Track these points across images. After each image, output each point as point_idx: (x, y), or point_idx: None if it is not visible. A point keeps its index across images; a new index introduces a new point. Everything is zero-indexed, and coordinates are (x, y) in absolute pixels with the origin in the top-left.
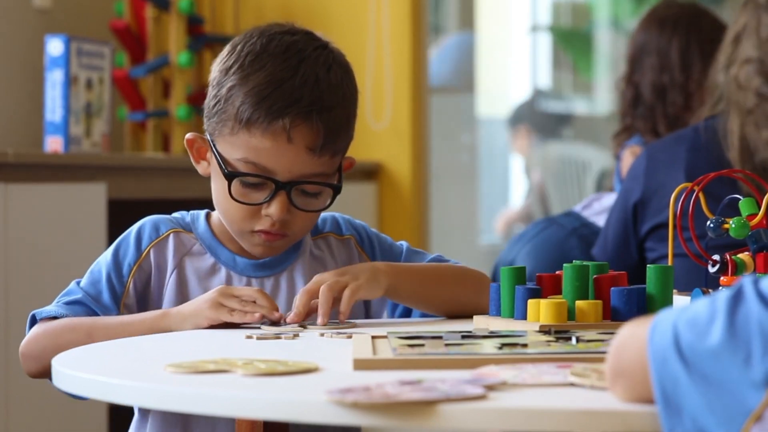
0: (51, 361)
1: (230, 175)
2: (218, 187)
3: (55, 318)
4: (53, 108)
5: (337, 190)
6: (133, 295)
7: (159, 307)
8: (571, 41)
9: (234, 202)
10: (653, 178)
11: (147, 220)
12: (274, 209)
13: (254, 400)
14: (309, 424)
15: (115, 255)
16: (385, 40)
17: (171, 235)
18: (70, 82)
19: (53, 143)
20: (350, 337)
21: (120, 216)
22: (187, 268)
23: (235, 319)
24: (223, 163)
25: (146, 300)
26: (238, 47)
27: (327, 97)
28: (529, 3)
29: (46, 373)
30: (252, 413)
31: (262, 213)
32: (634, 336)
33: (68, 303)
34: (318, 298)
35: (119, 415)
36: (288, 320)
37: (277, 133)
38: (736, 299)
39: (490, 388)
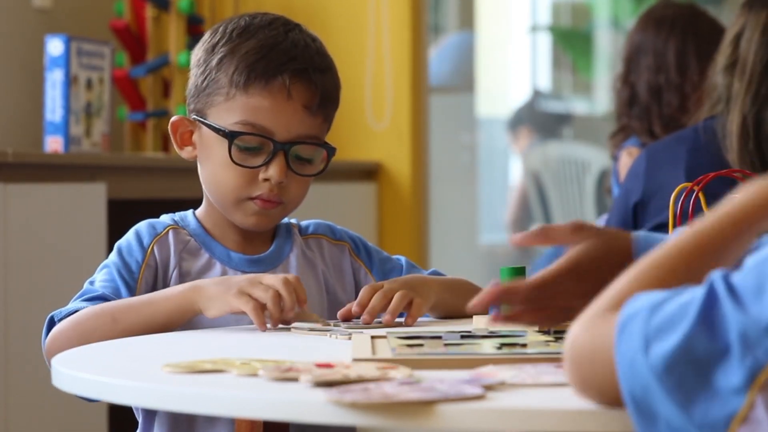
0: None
1: (232, 134)
2: (211, 159)
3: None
4: (53, 108)
5: (331, 152)
6: (144, 292)
7: None
8: (571, 41)
9: (232, 168)
10: (654, 178)
11: (141, 224)
12: (273, 171)
13: (254, 400)
14: (309, 424)
15: (121, 255)
16: (385, 40)
17: (170, 231)
18: (70, 82)
19: (53, 143)
20: (350, 337)
21: (120, 216)
22: (185, 266)
23: (252, 316)
24: (220, 129)
25: None
26: (221, 29)
27: (318, 60)
28: (529, 3)
29: None
30: (252, 413)
31: (259, 178)
32: (594, 345)
33: (87, 299)
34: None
35: (119, 415)
36: (363, 320)
37: (276, 90)
38: (709, 301)
39: (489, 388)
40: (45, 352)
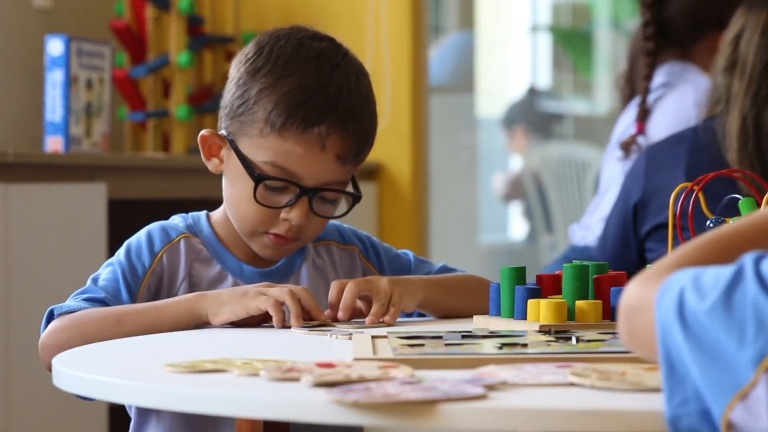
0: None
1: (259, 178)
2: (235, 187)
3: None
4: (53, 108)
5: (357, 200)
6: (146, 298)
7: None
8: (571, 41)
9: (253, 203)
10: (653, 178)
11: (154, 226)
12: (295, 214)
13: (254, 400)
14: (309, 423)
15: (128, 257)
16: (385, 40)
17: (182, 240)
18: (70, 82)
19: (53, 143)
20: (351, 337)
21: (120, 216)
22: (196, 276)
23: (272, 311)
24: (249, 164)
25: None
26: (266, 49)
27: (359, 107)
28: (529, 3)
29: None
30: (252, 413)
31: (280, 217)
32: (642, 302)
33: (88, 299)
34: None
35: (119, 415)
36: (341, 317)
37: (311, 141)
38: (736, 279)
39: (490, 387)
40: (41, 346)
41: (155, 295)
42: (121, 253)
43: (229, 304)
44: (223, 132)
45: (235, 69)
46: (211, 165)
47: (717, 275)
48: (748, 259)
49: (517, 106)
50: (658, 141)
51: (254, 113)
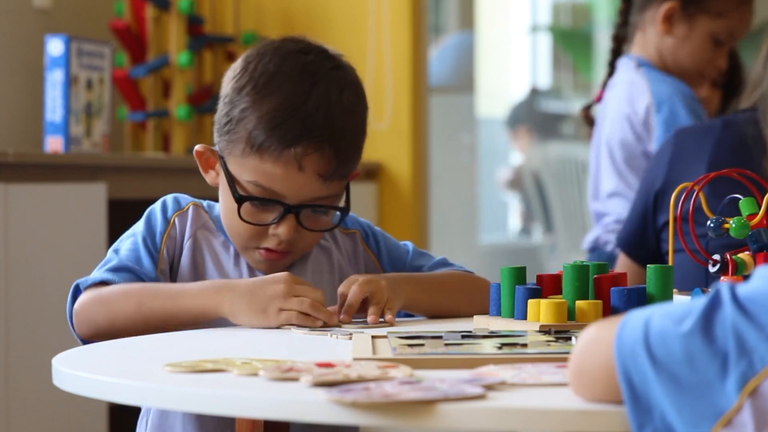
0: (102, 326)
1: (241, 198)
2: (226, 202)
3: (102, 284)
4: (53, 108)
5: (345, 213)
6: (167, 261)
7: (182, 273)
8: (571, 41)
9: (240, 220)
10: (675, 168)
11: (167, 196)
12: (282, 230)
13: (254, 400)
14: (309, 423)
15: (148, 223)
16: (385, 41)
17: (191, 207)
18: (70, 82)
19: (53, 143)
20: (351, 337)
21: (120, 216)
22: (202, 240)
23: (300, 322)
24: (233, 183)
25: (173, 267)
26: (251, 65)
27: (339, 122)
28: (529, 3)
29: (97, 337)
30: (253, 413)
31: (269, 232)
32: (599, 337)
33: (112, 269)
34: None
35: (119, 415)
36: (343, 319)
37: (288, 162)
38: (713, 304)
39: (489, 387)
40: (73, 321)
41: (172, 258)
42: (140, 223)
43: (250, 316)
44: (215, 147)
45: (225, 85)
46: (209, 178)
47: (686, 307)
48: (723, 285)
49: (521, 106)
50: (687, 128)
51: (237, 132)
